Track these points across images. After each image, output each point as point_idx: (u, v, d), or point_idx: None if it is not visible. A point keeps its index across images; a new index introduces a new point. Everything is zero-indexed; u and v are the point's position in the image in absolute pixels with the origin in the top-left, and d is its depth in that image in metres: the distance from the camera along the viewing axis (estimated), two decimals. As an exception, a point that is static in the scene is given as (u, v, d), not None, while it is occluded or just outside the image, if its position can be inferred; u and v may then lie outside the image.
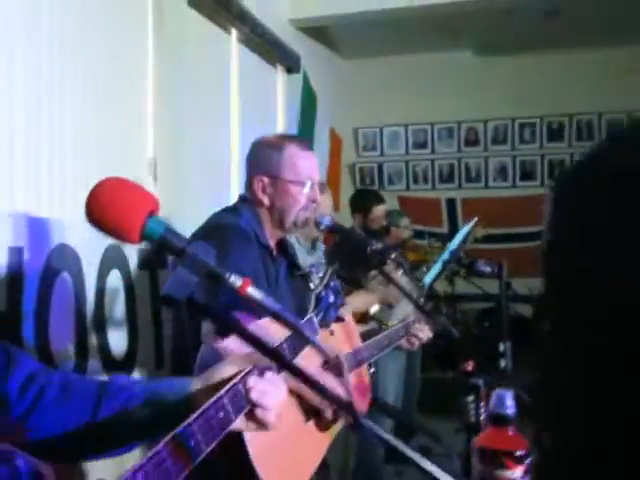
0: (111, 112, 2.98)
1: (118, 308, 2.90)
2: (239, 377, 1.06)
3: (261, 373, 1.08)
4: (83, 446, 1.07)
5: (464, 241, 2.82)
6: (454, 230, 7.04)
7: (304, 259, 2.67)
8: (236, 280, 0.87)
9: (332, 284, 2.14)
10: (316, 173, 2.00)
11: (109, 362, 2.79)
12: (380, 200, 4.29)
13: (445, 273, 3.84)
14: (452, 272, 4.64)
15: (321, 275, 2.05)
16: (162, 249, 0.92)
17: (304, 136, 5.38)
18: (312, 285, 1.97)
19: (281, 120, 5.09)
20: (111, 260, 2.84)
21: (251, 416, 1.08)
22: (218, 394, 1.00)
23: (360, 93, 6.68)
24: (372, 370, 2.25)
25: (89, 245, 2.69)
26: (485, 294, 4.28)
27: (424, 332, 2.44)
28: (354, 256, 2.65)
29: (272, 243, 1.97)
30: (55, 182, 2.57)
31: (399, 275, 2.22)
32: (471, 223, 2.99)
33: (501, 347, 2.14)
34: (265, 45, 4.58)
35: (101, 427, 1.06)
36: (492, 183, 7.06)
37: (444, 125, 7.07)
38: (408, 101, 6.76)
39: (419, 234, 5.72)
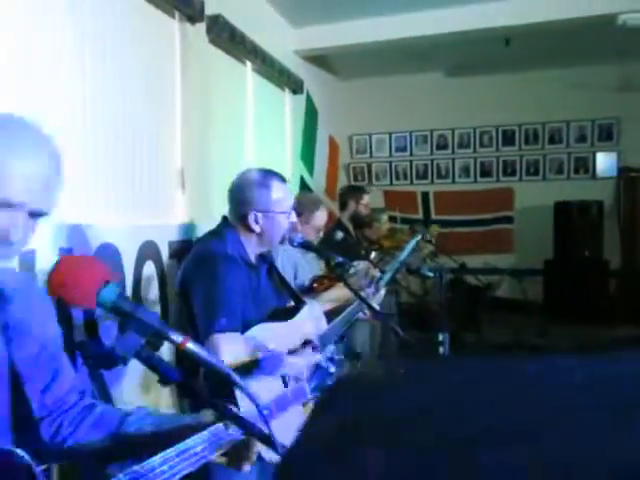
0: (145, 130, 2.88)
1: (152, 291, 2.83)
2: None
3: None
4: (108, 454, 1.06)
5: (411, 252, 2.71)
6: (427, 216, 6.96)
7: (296, 258, 2.56)
8: (177, 337, 0.81)
9: None
10: (292, 201, 1.91)
11: (146, 334, 2.73)
12: (365, 191, 4.12)
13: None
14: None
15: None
16: (114, 314, 0.84)
17: (307, 144, 5.25)
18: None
19: (289, 132, 4.96)
20: (146, 253, 2.76)
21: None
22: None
23: (353, 107, 6.55)
24: (344, 338, 2.22)
25: (127, 242, 2.61)
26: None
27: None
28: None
29: (253, 258, 1.91)
30: (97, 194, 2.48)
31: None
32: (416, 238, 2.87)
33: (440, 337, 2.07)
34: (274, 73, 4.44)
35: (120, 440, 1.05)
36: (458, 179, 6.96)
37: (420, 133, 6.96)
38: (391, 114, 6.69)
39: (401, 220, 5.64)
